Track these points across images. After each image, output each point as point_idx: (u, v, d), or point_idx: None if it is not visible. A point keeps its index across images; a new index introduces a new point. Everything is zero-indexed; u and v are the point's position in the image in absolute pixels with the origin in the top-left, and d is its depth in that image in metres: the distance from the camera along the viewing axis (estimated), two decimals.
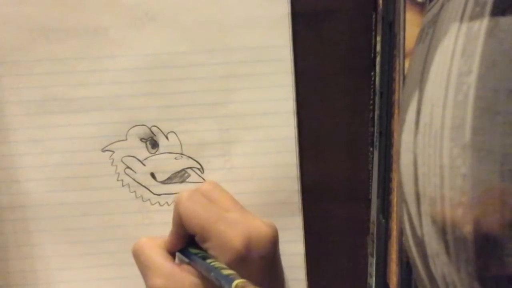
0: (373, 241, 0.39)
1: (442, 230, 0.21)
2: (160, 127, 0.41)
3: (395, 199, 0.36)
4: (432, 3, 0.26)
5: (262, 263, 0.34)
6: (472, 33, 0.20)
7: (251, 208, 0.41)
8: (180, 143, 0.41)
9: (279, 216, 0.41)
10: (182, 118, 0.41)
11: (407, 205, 0.25)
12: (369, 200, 0.41)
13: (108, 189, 0.41)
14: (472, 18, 0.20)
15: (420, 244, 0.24)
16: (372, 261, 0.39)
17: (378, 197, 0.38)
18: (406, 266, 0.35)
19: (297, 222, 0.41)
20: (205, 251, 0.35)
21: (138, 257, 0.36)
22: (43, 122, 0.41)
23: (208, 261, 0.33)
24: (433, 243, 0.22)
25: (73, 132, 0.41)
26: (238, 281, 0.29)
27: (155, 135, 0.41)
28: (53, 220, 0.41)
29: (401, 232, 0.35)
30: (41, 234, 0.42)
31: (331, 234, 0.42)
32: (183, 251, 0.37)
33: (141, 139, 0.41)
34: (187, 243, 0.37)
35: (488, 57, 0.19)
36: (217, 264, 0.33)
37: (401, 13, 0.35)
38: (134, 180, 0.42)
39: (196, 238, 0.35)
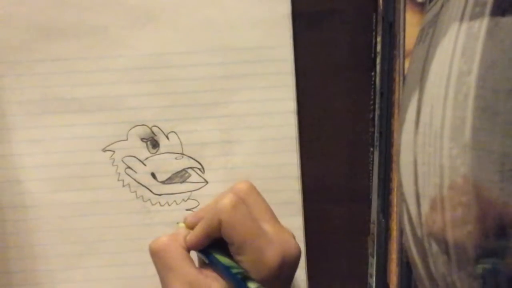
0: (373, 241, 0.39)
1: (442, 230, 0.21)
2: (160, 127, 0.41)
3: (395, 199, 0.36)
4: (432, 3, 0.26)
5: (287, 280, 0.35)
6: (472, 33, 0.20)
7: None
8: (181, 143, 0.41)
9: (280, 216, 0.41)
10: (182, 118, 0.41)
11: (407, 205, 0.25)
12: (369, 200, 0.41)
13: (109, 189, 0.41)
14: (472, 18, 0.20)
15: (420, 244, 0.24)
16: (372, 261, 0.39)
17: (378, 197, 0.38)
18: (406, 266, 0.35)
19: (297, 222, 0.41)
20: (230, 256, 0.35)
21: (161, 258, 0.35)
22: (43, 122, 0.41)
23: (234, 271, 0.33)
24: (433, 243, 0.22)
25: (73, 132, 0.41)
26: None
27: (155, 135, 0.41)
28: (54, 220, 0.41)
29: (401, 232, 0.35)
30: (42, 234, 0.42)
31: (331, 234, 0.42)
32: (204, 251, 0.36)
33: (141, 139, 0.41)
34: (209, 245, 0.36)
35: (488, 57, 0.19)
36: (240, 272, 0.33)
37: (401, 13, 0.35)
38: (134, 180, 0.42)
39: (231, 248, 0.35)
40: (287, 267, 0.35)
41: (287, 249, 0.35)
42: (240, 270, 0.33)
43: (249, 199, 0.36)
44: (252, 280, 0.32)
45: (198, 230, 0.35)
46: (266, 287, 0.32)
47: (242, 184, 0.37)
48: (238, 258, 0.34)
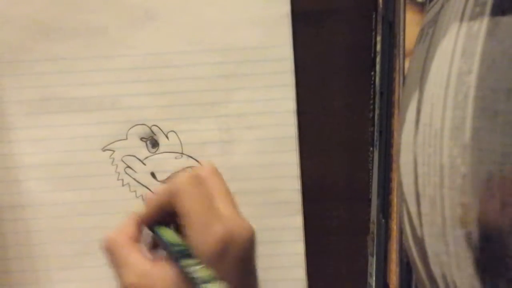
0: (373, 241, 0.39)
1: (442, 230, 0.21)
2: (160, 127, 0.41)
3: (395, 199, 0.36)
4: (432, 3, 0.26)
5: (238, 264, 0.34)
6: (472, 33, 0.20)
7: (251, 207, 0.41)
8: (180, 143, 0.41)
9: (279, 215, 0.41)
10: (182, 117, 0.41)
11: (407, 205, 0.25)
12: (369, 200, 0.41)
13: (108, 189, 0.41)
14: (472, 18, 0.20)
15: (420, 244, 0.24)
16: (372, 261, 0.39)
17: (378, 197, 0.38)
18: (406, 266, 0.35)
19: (297, 222, 0.41)
20: (177, 230, 0.35)
21: (111, 255, 0.36)
22: (43, 122, 0.41)
23: (176, 248, 0.33)
24: (433, 243, 0.22)
25: (73, 131, 0.41)
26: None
27: (155, 134, 0.41)
28: (53, 220, 0.41)
29: (401, 232, 0.35)
30: (41, 233, 0.42)
31: (331, 234, 0.42)
32: (154, 228, 0.37)
33: (141, 139, 0.41)
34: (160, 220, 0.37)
35: (488, 57, 0.19)
36: (182, 250, 0.33)
37: (401, 13, 0.35)
38: (134, 179, 0.42)
39: (180, 220, 0.35)
40: (235, 247, 0.34)
41: (236, 228, 0.34)
42: (183, 248, 0.33)
43: (208, 179, 0.36)
44: (192, 258, 0.32)
45: (152, 201, 0.36)
46: (213, 269, 0.32)
47: (205, 165, 0.38)
48: (185, 231, 0.34)
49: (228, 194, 0.37)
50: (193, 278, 0.31)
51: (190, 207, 0.34)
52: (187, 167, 0.42)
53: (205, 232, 0.33)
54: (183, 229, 0.35)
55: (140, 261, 0.35)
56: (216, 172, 0.37)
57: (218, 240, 0.33)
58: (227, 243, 0.33)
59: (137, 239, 0.36)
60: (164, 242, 0.35)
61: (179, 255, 0.33)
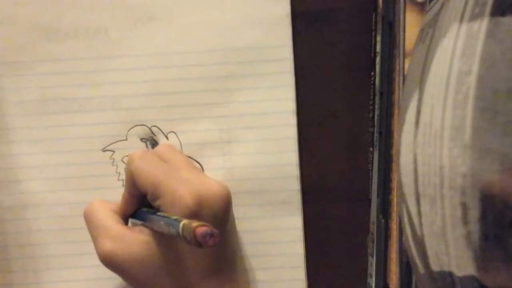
0: (373, 241, 0.39)
1: (442, 230, 0.21)
2: (160, 127, 0.41)
3: (395, 199, 0.36)
4: (432, 3, 0.26)
5: (214, 222, 0.34)
6: (472, 33, 0.20)
7: (251, 207, 0.41)
8: (180, 143, 0.41)
9: (279, 216, 0.41)
10: (182, 118, 0.41)
11: (407, 205, 0.25)
12: (369, 200, 0.41)
13: (109, 189, 0.41)
14: (472, 18, 0.20)
15: (420, 244, 0.24)
16: (372, 261, 0.39)
17: (378, 197, 0.38)
18: (406, 266, 0.35)
19: (297, 222, 0.41)
20: (157, 209, 0.35)
21: (89, 220, 0.37)
22: (43, 122, 0.41)
23: (159, 213, 0.34)
24: (433, 243, 0.22)
25: (73, 132, 0.41)
26: (185, 221, 0.30)
27: (155, 135, 0.41)
28: (54, 220, 0.42)
29: (401, 232, 0.35)
30: (42, 233, 0.42)
31: (331, 234, 0.42)
32: (135, 214, 0.37)
33: (141, 139, 0.41)
34: (140, 207, 0.37)
35: (488, 57, 0.19)
36: (167, 214, 0.33)
37: (401, 13, 0.35)
38: None
39: (148, 197, 0.35)
40: (207, 205, 0.34)
41: (204, 187, 0.35)
42: (166, 214, 0.34)
43: (166, 155, 0.38)
44: (176, 216, 0.32)
45: (123, 191, 0.37)
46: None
47: (160, 145, 0.40)
48: (156, 204, 0.35)
49: (189, 163, 0.38)
50: (170, 225, 0.31)
51: (151, 181, 0.35)
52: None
53: (173, 198, 0.34)
54: (151, 203, 0.35)
55: (116, 226, 0.36)
56: (172, 147, 0.39)
57: (188, 202, 0.33)
58: (198, 203, 0.34)
59: (117, 213, 0.37)
60: (143, 212, 0.35)
61: (155, 213, 0.34)
